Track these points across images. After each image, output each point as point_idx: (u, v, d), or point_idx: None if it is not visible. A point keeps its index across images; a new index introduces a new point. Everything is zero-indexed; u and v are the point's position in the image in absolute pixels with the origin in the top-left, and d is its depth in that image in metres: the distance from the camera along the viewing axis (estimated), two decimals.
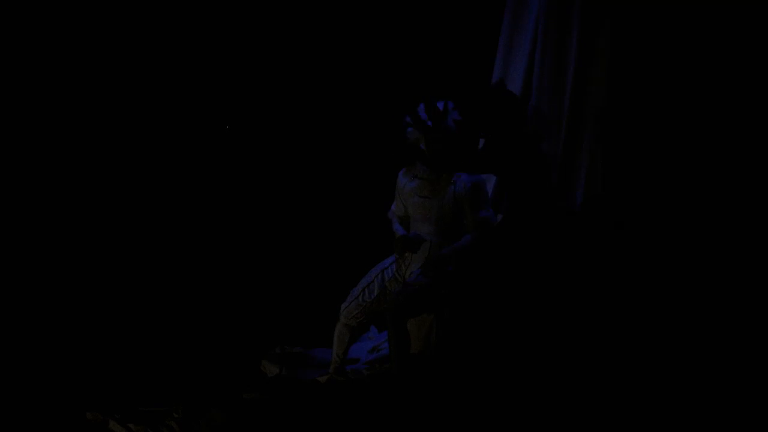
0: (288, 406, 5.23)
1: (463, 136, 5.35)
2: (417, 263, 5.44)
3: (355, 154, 6.50)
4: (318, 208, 6.68)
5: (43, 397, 5.36)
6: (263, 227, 6.70)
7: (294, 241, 6.66)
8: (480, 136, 5.66)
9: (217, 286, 6.37)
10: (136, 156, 6.38)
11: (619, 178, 5.51)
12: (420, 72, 6.33)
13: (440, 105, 5.29)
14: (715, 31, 5.42)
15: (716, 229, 5.46)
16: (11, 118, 6.12)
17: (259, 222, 6.69)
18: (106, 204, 6.35)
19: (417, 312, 5.43)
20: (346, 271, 5.67)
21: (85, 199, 6.37)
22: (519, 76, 5.84)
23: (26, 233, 6.26)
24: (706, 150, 5.47)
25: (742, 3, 5.36)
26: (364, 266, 5.64)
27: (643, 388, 5.10)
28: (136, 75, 6.28)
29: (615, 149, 5.51)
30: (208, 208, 6.56)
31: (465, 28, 6.17)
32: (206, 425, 5.08)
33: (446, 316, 5.35)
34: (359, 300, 5.49)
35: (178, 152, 6.34)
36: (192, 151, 6.19)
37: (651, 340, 5.31)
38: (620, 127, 5.50)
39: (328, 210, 6.65)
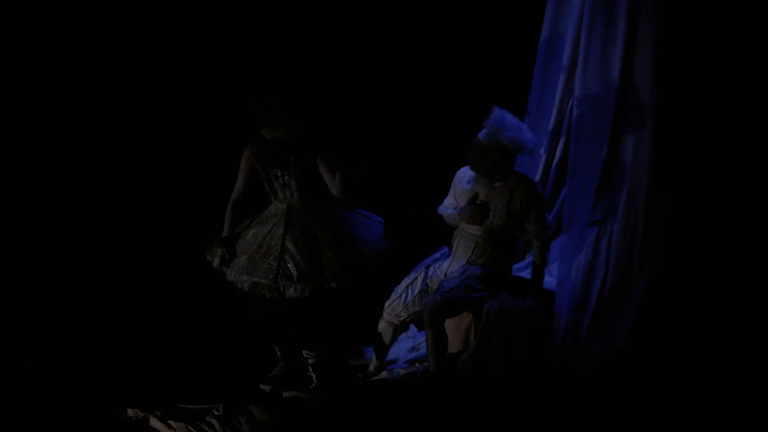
0: (327, 404, 5.23)
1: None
2: (459, 261, 5.43)
3: (405, 152, 6.46)
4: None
5: (85, 394, 5.38)
6: None
7: None
8: None
9: None
10: (156, 154, 6.37)
11: (665, 173, 5.43)
12: (460, 69, 6.30)
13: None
14: None
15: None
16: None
17: None
18: (134, 203, 6.36)
19: (456, 312, 5.42)
20: (388, 270, 5.64)
21: (126, 200, 6.39)
22: (563, 67, 5.79)
23: (62, 232, 6.29)
24: (762, 146, 5.37)
25: None
26: (406, 265, 5.63)
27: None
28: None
29: (662, 144, 5.42)
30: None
31: (506, 21, 6.12)
32: (246, 422, 5.08)
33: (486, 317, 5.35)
34: (402, 298, 5.49)
35: (198, 149, 6.32)
36: (214, 146, 6.16)
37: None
38: (668, 121, 5.41)
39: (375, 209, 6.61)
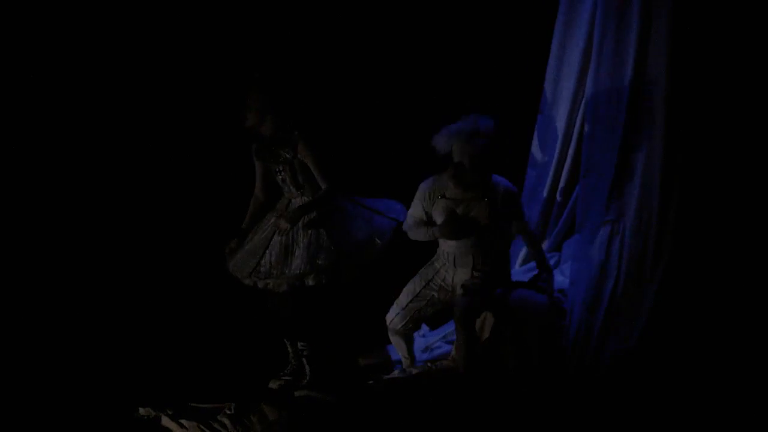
0: (338, 403, 5.22)
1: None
2: (464, 270, 5.36)
3: (415, 157, 6.45)
4: None
5: (98, 393, 5.40)
6: None
7: None
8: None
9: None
10: (178, 152, 6.38)
11: (678, 173, 5.41)
12: (471, 70, 6.29)
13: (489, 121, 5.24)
14: None
15: None
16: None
17: None
18: (146, 202, 6.38)
19: (482, 311, 5.43)
20: (391, 273, 5.63)
21: (137, 199, 6.41)
22: (575, 67, 5.79)
23: (77, 233, 6.31)
24: None
25: None
26: (407, 269, 5.60)
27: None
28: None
29: (674, 145, 5.40)
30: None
31: (519, 20, 6.11)
32: (258, 421, 5.08)
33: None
34: (407, 309, 5.43)
35: (219, 146, 6.34)
36: (233, 143, 6.17)
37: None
38: (681, 121, 5.39)
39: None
